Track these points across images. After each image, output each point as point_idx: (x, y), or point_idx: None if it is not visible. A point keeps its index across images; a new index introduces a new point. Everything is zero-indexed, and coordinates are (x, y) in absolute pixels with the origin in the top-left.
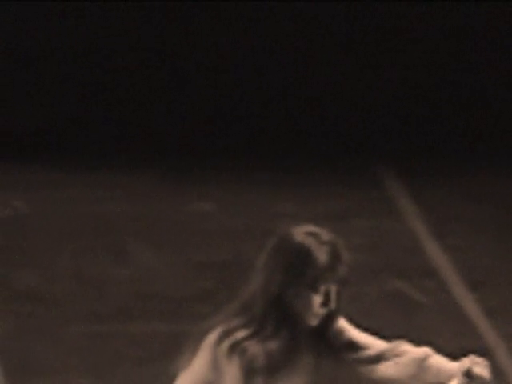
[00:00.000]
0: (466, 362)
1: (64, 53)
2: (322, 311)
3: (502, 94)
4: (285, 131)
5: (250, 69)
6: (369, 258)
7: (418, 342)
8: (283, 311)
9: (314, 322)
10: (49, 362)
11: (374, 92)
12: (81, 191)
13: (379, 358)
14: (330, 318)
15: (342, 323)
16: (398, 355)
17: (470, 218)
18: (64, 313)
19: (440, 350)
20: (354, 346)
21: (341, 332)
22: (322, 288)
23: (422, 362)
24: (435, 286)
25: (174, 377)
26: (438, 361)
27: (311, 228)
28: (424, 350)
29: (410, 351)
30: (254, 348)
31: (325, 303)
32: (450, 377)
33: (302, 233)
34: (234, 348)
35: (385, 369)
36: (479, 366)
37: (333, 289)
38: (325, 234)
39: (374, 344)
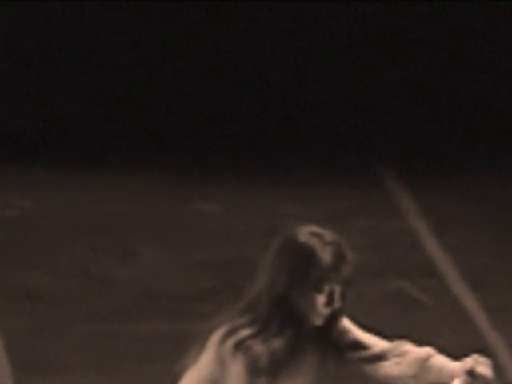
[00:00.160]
0: (469, 362)
1: (64, 53)
2: (326, 311)
3: (502, 95)
4: (286, 132)
5: (251, 69)
6: (370, 257)
7: (419, 341)
8: (288, 311)
9: (318, 321)
10: (53, 360)
11: (374, 93)
12: (84, 191)
13: (382, 357)
14: (334, 318)
15: (346, 323)
16: (400, 355)
17: (471, 217)
18: (68, 312)
19: (441, 349)
20: (357, 346)
21: (345, 332)
22: (327, 288)
23: (424, 362)
24: (436, 285)
25: (179, 375)
26: (441, 360)
27: (315, 228)
28: (426, 350)
29: (413, 351)
30: (259, 347)
31: (329, 303)
32: (453, 376)
33: (306, 233)
34: (239, 346)
35: (388, 368)
36: (482, 366)
37: (337, 289)
38: (329, 235)
39: (376, 343)
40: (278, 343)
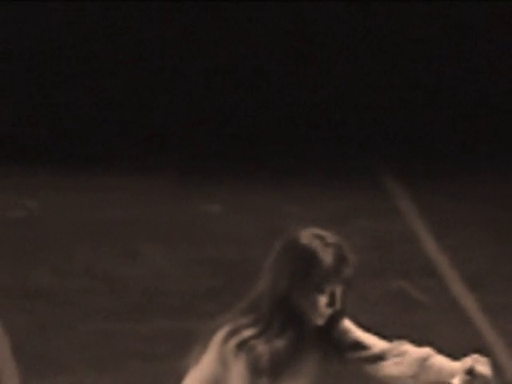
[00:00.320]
0: (468, 361)
1: (66, 54)
2: (327, 311)
3: (502, 96)
4: (287, 133)
5: (252, 70)
6: (370, 257)
7: (418, 340)
8: (290, 311)
9: (319, 321)
10: (61, 357)
11: (374, 94)
12: (88, 193)
13: (382, 357)
14: (335, 318)
15: (347, 323)
16: (399, 355)
17: (469, 218)
18: (71, 311)
19: (440, 348)
20: (357, 346)
21: (346, 332)
22: (328, 289)
23: (423, 362)
24: (435, 285)
25: (183, 374)
26: (440, 360)
27: (317, 231)
28: (425, 350)
29: (412, 351)
30: (261, 347)
31: (330, 304)
32: (452, 376)
33: (308, 235)
34: (241, 346)
35: (387, 368)
36: (481, 365)
37: (338, 290)
38: (330, 237)
39: (376, 344)
40: (279, 343)
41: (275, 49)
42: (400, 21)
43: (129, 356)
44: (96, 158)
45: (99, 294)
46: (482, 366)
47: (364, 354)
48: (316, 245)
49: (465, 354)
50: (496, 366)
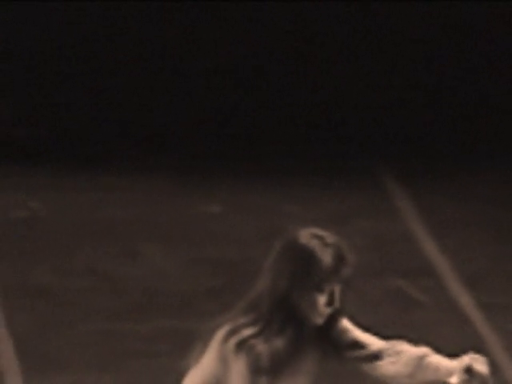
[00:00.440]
0: (466, 360)
1: (67, 54)
2: (326, 310)
3: (502, 96)
4: (287, 134)
5: (252, 70)
6: (369, 257)
7: (417, 339)
8: (289, 310)
9: (319, 320)
10: (62, 356)
11: (373, 96)
12: (90, 193)
13: (379, 356)
14: (334, 318)
15: (346, 323)
16: (396, 354)
17: (468, 218)
18: (72, 310)
19: (438, 347)
20: (355, 345)
21: (344, 331)
22: (327, 288)
23: (420, 361)
24: (433, 285)
25: (184, 373)
26: (437, 359)
27: (316, 231)
28: (422, 350)
29: (409, 350)
30: (261, 346)
31: (329, 303)
32: (449, 374)
33: (307, 235)
34: (242, 345)
35: (384, 367)
36: (479, 363)
37: (337, 289)
38: (329, 237)
39: (374, 343)
40: (279, 342)
41: (275, 49)
42: (400, 21)
43: (129, 355)
44: (97, 159)
45: (100, 293)
46: (480, 365)
47: (362, 353)
48: (315, 245)
49: (463, 353)
50: (494, 365)
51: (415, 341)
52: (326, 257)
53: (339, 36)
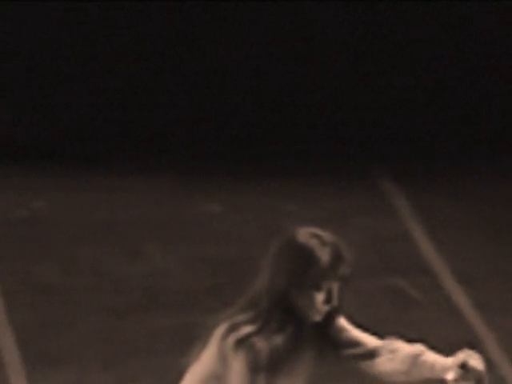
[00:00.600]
0: (461, 356)
1: (67, 54)
2: (324, 308)
3: (498, 98)
4: (287, 136)
5: (252, 71)
6: (367, 256)
7: (413, 336)
8: (288, 308)
9: (317, 318)
10: (65, 353)
11: (371, 98)
12: (92, 193)
13: (375, 354)
14: (331, 315)
15: (342, 322)
16: (392, 352)
17: (462, 217)
18: (77, 307)
19: (433, 343)
20: (352, 343)
21: (341, 330)
22: (325, 286)
23: (415, 358)
24: (429, 283)
25: (185, 369)
26: (432, 356)
27: (314, 230)
28: (418, 347)
29: (404, 348)
30: (260, 343)
31: (327, 300)
32: (445, 371)
33: (305, 234)
34: (241, 343)
35: (381, 364)
36: (474, 359)
37: (335, 287)
38: (327, 236)
39: (369, 341)
40: (278, 340)
41: (275, 49)
42: (398, 24)
43: (132, 351)
44: (98, 159)
45: (102, 291)
46: (475, 361)
47: (358, 350)
48: (313, 243)
49: (458, 350)
50: (488, 361)
51: (411, 338)
52: (324, 255)
53: (339, 37)
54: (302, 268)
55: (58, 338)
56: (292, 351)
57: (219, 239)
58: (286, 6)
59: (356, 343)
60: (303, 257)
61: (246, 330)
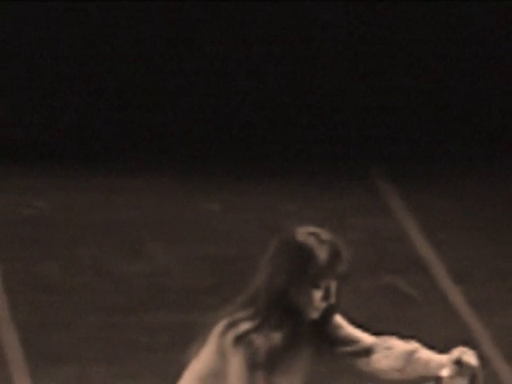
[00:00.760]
0: (456, 353)
1: (67, 54)
2: (322, 305)
3: (493, 98)
4: (287, 137)
5: (251, 71)
6: (363, 254)
7: (408, 333)
8: (286, 305)
9: (314, 315)
10: (68, 349)
11: (368, 99)
12: (94, 193)
13: (370, 351)
14: (329, 313)
15: (339, 319)
16: (387, 349)
17: (458, 217)
18: (79, 305)
19: (429, 339)
20: (348, 341)
21: (338, 327)
22: (323, 284)
23: (410, 356)
24: (424, 281)
25: (185, 365)
26: (426, 354)
27: (312, 228)
28: (412, 345)
29: (399, 345)
30: (259, 340)
31: (325, 298)
32: (439, 368)
33: (304, 233)
34: (240, 339)
35: (376, 362)
36: (469, 355)
37: (333, 284)
38: (325, 234)
39: (365, 339)
40: (276, 337)
41: (275, 49)
42: (397, 25)
43: (133, 347)
44: (99, 160)
45: (105, 289)
46: (470, 357)
47: (354, 348)
48: (311, 242)
49: (453, 346)
50: (482, 357)
51: (406, 335)
52: (322, 254)
53: (338, 38)
54: (301, 266)
55: (60, 336)
56: (290, 348)
57: (219, 239)
58: (285, 6)
59: (352, 340)
60: (302, 255)
61: (245, 326)
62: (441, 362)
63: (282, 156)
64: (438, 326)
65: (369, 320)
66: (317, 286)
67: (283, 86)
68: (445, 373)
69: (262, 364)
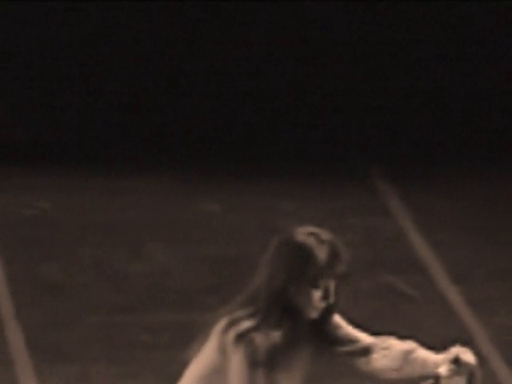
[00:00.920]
0: (453, 351)
1: (67, 54)
2: (321, 305)
3: (491, 99)
4: (286, 137)
5: (251, 72)
6: (361, 254)
7: (406, 332)
8: (286, 304)
9: (314, 314)
10: (71, 348)
11: (366, 99)
12: (96, 193)
13: (368, 351)
14: (328, 312)
15: (338, 319)
16: (385, 349)
17: (455, 216)
18: (81, 304)
19: (427, 338)
20: (346, 340)
21: (337, 327)
22: (322, 284)
23: (407, 355)
24: (422, 280)
25: (186, 363)
26: (423, 353)
27: (312, 228)
28: (410, 344)
29: (397, 345)
30: (259, 339)
31: (324, 297)
32: (436, 367)
33: (303, 233)
34: (241, 337)
35: (375, 361)
36: (466, 354)
37: (332, 284)
38: (325, 234)
39: (363, 338)
40: (276, 335)
41: (275, 49)
42: (399, 21)
43: (134, 346)
44: (101, 161)
45: (106, 288)
46: (467, 355)
47: (352, 348)
48: (311, 242)
49: (451, 345)
50: (480, 356)
51: (405, 335)
52: (322, 254)
53: (338, 38)
54: (300, 266)
55: (62, 335)
56: (290, 347)
57: (219, 239)
58: (286, 6)
59: (351, 340)
60: (301, 255)
61: (246, 324)
62: (438, 362)
63: (282, 156)
64: (437, 326)
65: (367, 320)
66: (316, 286)
67: (283, 87)
68: (443, 371)
69: (263, 362)
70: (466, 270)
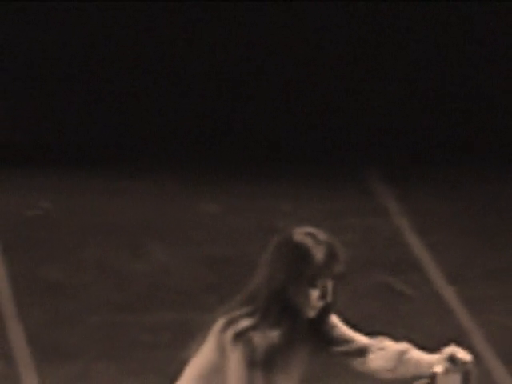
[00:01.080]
0: (448, 350)
1: (69, 56)
2: (319, 304)
3: (487, 100)
4: (285, 138)
5: (251, 74)
6: (359, 253)
7: (402, 331)
8: (284, 304)
9: (311, 313)
10: (72, 347)
11: (363, 101)
12: (98, 193)
13: (363, 351)
14: (325, 312)
15: (334, 319)
16: (379, 349)
17: (450, 216)
18: (82, 304)
19: (423, 337)
20: (343, 340)
21: (333, 327)
22: (320, 283)
23: (401, 356)
24: (419, 279)
25: (185, 362)
26: (418, 354)
27: (310, 229)
28: (404, 345)
29: (391, 346)
30: (257, 338)
31: (322, 297)
32: (430, 367)
33: (301, 233)
34: (239, 337)
35: (370, 361)
36: (462, 352)
37: (329, 284)
38: (322, 235)
39: (359, 339)
40: (274, 334)
41: (274, 50)
42: (399, 21)
43: (135, 345)
44: (103, 162)
45: (107, 288)
46: (463, 353)
47: (349, 348)
48: (309, 242)
49: (446, 344)
50: (475, 355)
51: (401, 335)
52: (319, 254)
53: (337, 39)
54: (298, 266)
55: (64, 334)
56: (287, 346)
57: (218, 239)
58: (286, 6)
59: (347, 340)
60: (299, 255)
61: (244, 323)
62: (431, 362)
63: (281, 158)
64: (433, 325)
65: (364, 319)
66: (314, 286)
67: (282, 88)
68: (438, 369)
69: (261, 361)
70: (462, 270)
